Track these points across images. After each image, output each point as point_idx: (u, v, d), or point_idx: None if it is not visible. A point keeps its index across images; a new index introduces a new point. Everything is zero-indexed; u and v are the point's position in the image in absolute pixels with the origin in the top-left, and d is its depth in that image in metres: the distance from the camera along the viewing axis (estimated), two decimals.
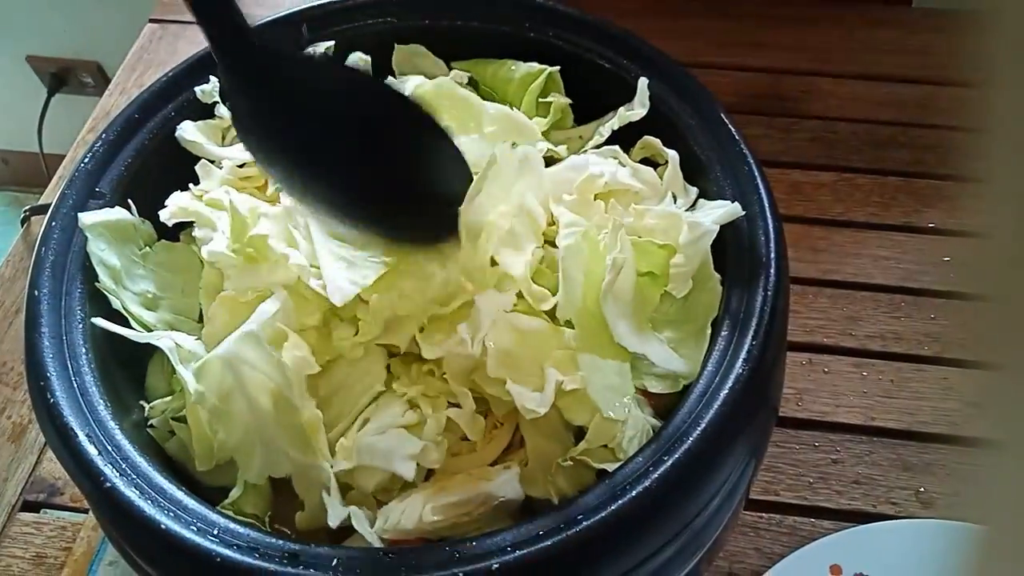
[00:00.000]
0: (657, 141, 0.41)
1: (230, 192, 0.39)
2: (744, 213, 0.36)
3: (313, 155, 0.33)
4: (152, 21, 0.76)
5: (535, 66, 0.44)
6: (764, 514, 0.49)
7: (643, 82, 0.42)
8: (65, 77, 1.28)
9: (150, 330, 0.38)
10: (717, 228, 0.36)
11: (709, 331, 0.35)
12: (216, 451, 0.35)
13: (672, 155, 0.40)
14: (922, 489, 0.49)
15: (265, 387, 0.34)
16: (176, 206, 0.41)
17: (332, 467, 0.35)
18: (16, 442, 0.52)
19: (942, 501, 0.49)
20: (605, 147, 0.42)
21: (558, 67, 0.44)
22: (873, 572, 0.45)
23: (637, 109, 0.41)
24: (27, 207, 0.61)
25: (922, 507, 0.49)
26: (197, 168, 0.42)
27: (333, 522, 0.33)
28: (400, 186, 0.34)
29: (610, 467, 0.33)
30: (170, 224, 0.40)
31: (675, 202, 0.40)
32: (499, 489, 0.34)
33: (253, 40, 0.31)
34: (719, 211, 0.36)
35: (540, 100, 0.43)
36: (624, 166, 0.40)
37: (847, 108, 0.68)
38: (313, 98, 0.33)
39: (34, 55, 1.27)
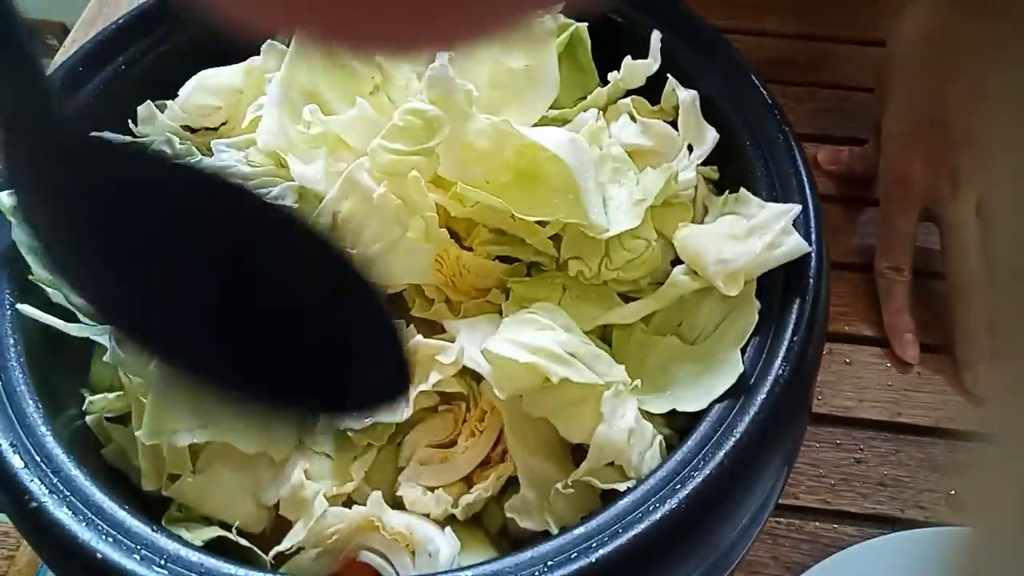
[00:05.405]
0: (675, 82, 0.36)
1: None
2: (810, 250, 0.31)
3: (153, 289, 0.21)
4: None
5: (560, 19, 0.38)
6: (782, 519, 0.44)
7: (656, 35, 0.37)
8: None
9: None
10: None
11: (739, 360, 0.30)
12: (167, 466, 0.30)
13: (684, 96, 0.35)
14: (953, 492, 0.45)
15: None
16: None
17: None
18: None
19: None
20: (621, 101, 0.37)
21: (585, 23, 0.39)
22: None
23: (650, 62, 0.36)
24: None
25: (953, 512, 0.45)
26: (139, 110, 0.37)
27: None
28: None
29: (620, 487, 0.28)
30: None
31: (690, 153, 0.35)
32: (433, 542, 0.29)
33: (65, 119, 0.20)
34: (783, 248, 0.31)
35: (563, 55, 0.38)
36: (635, 121, 0.36)
37: (864, 76, 0.63)
38: (155, 211, 0.20)
39: None
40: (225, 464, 0.30)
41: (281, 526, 0.30)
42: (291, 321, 0.20)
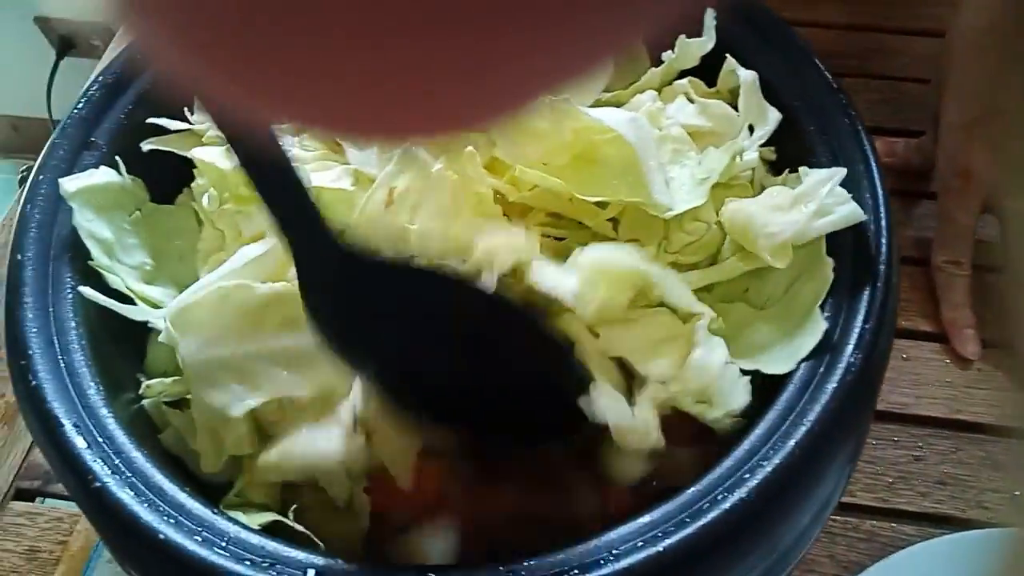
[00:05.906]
0: (733, 62, 0.35)
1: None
2: (865, 218, 0.31)
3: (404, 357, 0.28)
4: None
5: None
6: (839, 517, 0.43)
7: (710, 12, 0.36)
8: (74, 39, 1.23)
9: (158, 308, 0.33)
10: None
11: (820, 320, 0.29)
12: (228, 448, 0.30)
13: (744, 76, 0.35)
14: (1018, 492, 0.44)
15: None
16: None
17: None
18: (8, 424, 0.47)
19: None
20: (676, 82, 0.36)
21: None
22: None
23: (705, 40, 0.36)
24: (24, 167, 0.56)
25: (1018, 513, 0.43)
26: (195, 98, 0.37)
27: None
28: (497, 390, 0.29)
29: (708, 415, 0.28)
30: (145, 149, 0.35)
31: (751, 133, 0.34)
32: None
33: (334, 237, 0.26)
34: (835, 216, 0.30)
35: None
36: (692, 102, 0.35)
37: (917, 67, 0.61)
38: (405, 305, 0.28)
39: (42, 16, 1.22)
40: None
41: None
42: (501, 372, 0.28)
